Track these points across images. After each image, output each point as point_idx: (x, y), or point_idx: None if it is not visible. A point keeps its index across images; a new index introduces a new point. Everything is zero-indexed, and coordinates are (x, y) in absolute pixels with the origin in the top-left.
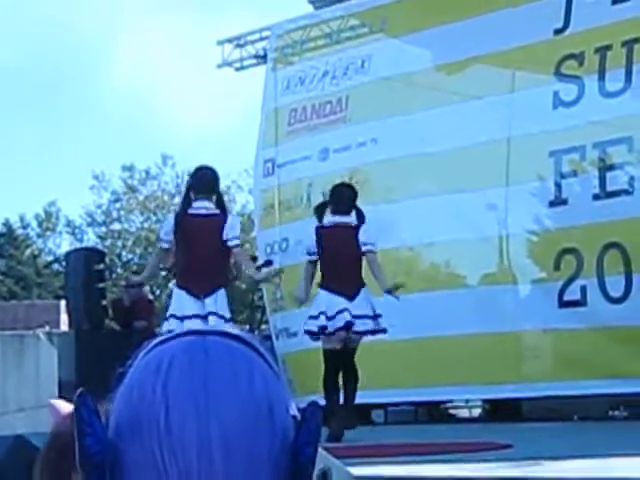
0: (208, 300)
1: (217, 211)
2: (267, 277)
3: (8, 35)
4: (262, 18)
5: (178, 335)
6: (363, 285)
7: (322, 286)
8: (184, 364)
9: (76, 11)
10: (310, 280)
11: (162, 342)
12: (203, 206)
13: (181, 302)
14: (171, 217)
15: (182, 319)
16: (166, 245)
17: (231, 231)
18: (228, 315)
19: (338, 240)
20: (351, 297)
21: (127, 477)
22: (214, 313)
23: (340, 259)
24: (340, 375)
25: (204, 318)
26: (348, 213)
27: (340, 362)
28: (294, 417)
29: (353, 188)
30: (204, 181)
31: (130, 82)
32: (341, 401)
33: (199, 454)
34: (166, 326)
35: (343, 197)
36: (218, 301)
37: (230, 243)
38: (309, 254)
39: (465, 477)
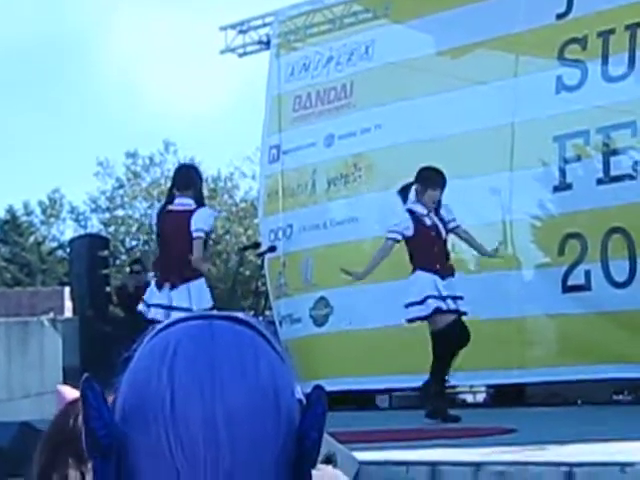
0: (174, 293)
1: (194, 207)
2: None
3: (9, 18)
4: (265, 4)
5: (184, 319)
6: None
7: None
8: (190, 349)
9: None
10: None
11: (168, 326)
12: (181, 202)
13: (151, 292)
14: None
15: (149, 307)
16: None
17: (195, 222)
18: (208, 304)
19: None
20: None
21: (134, 462)
22: (179, 308)
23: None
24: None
25: (167, 308)
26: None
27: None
28: (300, 401)
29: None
30: (184, 178)
31: (132, 68)
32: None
33: (205, 439)
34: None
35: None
36: (192, 293)
37: (193, 234)
38: (398, 234)
39: (470, 461)
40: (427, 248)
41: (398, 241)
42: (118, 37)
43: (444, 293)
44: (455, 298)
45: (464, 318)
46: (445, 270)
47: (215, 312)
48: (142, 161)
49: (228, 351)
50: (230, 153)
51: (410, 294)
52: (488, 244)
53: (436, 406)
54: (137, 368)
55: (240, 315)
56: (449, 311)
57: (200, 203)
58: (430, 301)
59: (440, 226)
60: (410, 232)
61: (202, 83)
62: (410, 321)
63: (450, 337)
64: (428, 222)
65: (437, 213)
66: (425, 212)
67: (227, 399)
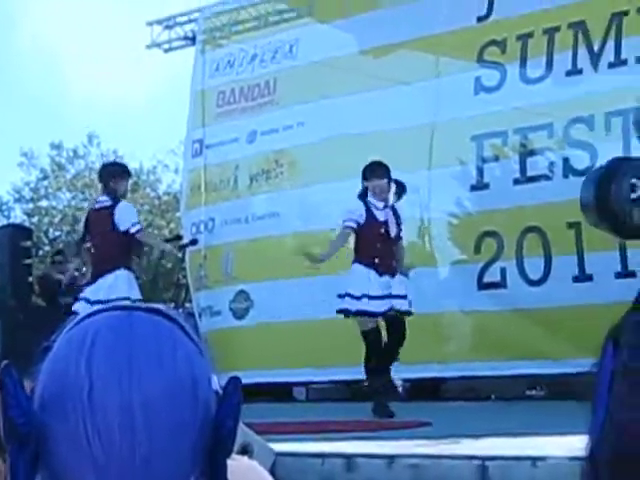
0: (101, 281)
1: (109, 203)
2: (172, 250)
3: None
4: (191, 0)
5: (104, 310)
6: None
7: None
8: (108, 339)
9: None
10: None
11: (87, 316)
12: (99, 200)
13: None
14: None
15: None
16: None
17: (123, 222)
18: (134, 295)
19: None
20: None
21: (53, 449)
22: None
23: None
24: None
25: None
26: None
27: None
28: (216, 392)
29: None
30: (101, 177)
31: (57, 57)
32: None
33: (121, 427)
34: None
35: None
36: (118, 283)
37: (131, 230)
38: (354, 222)
39: (384, 454)
40: (371, 242)
41: (354, 229)
42: (44, 21)
43: (378, 292)
44: (392, 297)
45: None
46: (384, 267)
47: (134, 304)
48: (66, 153)
49: (146, 342)
50: (154, 146)
51: (348, 285)
52: (407, 241)
53: (377, 402)
54: (56, 357)
55: (159, 307)
56: (374, 313)
57: (113, 198)
58: (364, 299)
59: (392, 225)
60: (362, 220)
61: (128, 77)
62: (340, 312)
63: (373, 335)
64: (380, 217)
65: (394, 212)
66: (380, 206)
67: (144, 388)
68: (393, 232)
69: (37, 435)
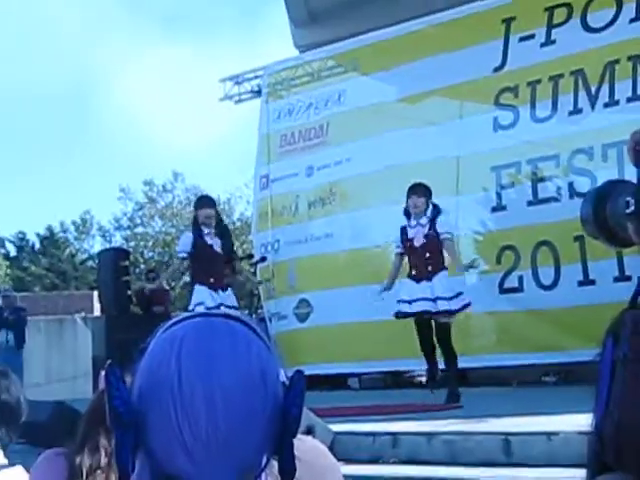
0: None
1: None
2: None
3: (39, 65)
4: (257, 60)
5: (189, 317)
6: None
7: None
8: (193, 340)
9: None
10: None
11: (176, 323)
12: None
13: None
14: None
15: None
16: None
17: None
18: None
19: None
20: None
21: (149, 434)
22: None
23: None
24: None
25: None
26: None
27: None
28: (283, 383)
29: None
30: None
31: (146, 113)
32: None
33: (205, 412)
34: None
35: None
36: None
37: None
38: (398, 247)
39: (424, 432)
40: (408, 257)
41: (402, 254)
42: (135, 85)
43: (415, 296)
44: (427, 300)
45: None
46: (419, 276)
47: (213, 311)
48: (156, 188)
49: (224, 342)
50: (228, 181)
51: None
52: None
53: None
54: (151, 357)
55: (234, 313)
56: (407, 314)
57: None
58: (401, 305)
59: (419, 236)
60: (400, 242)
61: (205, 125)
62: (399, 315)
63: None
64: (410, 234)
65: (432, 223)
66: (413, 224)
67: (223, 381)
68: (418, 242)
69: (136, 421)
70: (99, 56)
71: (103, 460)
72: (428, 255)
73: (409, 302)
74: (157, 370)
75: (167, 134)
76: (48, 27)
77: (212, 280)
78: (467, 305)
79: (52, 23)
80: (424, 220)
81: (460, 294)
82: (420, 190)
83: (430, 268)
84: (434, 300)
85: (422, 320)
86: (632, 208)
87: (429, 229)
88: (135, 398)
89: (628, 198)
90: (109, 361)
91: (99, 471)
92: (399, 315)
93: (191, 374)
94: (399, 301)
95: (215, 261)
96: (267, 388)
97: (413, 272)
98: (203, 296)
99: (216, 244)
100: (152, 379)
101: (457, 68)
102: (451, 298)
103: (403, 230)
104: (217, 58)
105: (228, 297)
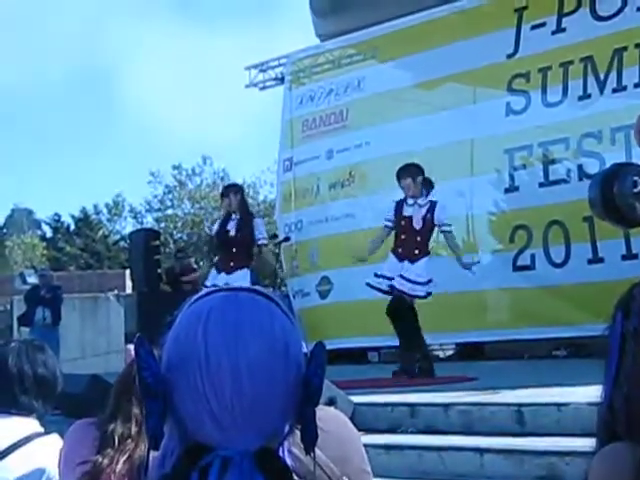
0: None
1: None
2: None
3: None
4: (280, 48)
5: (215, 291)
6: None
7: None
8: (219, 313)
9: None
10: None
11: (202, 296)
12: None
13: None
14: None
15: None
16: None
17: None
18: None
19: None
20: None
21: (177, 403)
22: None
23: None
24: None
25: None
26: None
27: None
28: (305, 354)
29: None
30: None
31: (177, 100)
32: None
33: (231, 381)
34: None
35: None
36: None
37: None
38: (387, 221)
39: (441, 402)
40: (397, 233)
41: (390, 227)
42: (159, 72)
43: (387, 273)
44: (401, 277)
45: (376, 294)
46: (405, 254)
47: (239, 286)
48: (185, 172)
49: (249, 315)
50: (253, 166)
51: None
52: (456, 234)
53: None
54: (179, 329)
55: (258, 288)
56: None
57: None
58: (380, 279)
59: (418, 218)
60: (391, 216)
61: (231, 111)
62: (369, 285)
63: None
64: (406, 212)
65: (432, 208)
66: (410, 202)
67: (248, 351)
68: (418, 225)
69: (164, 391)
70: (120, 40)
71: (134, 429)
72: (419, 239)
73: (388, 278)
74: (184, 342)
75: (195, 120)
76: (63, 9)
77: (231, 264)
78: (430, 293)
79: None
80: (422, 201)
81: (430, 281)
82: (404, 172)
83: (417, 252)
84: (411, 282)
85: (397, 300)
86: None
87: (427, 212)
88: (163, 369)
89: (635, 178)
90: (138, 334)
91: (129, 440)
92: (372, 286)
93: (217, 346)
94: (378, 275)
95: (230, 246)
96: (290, 358)
97: (399, 250)
98: (212, 279)
99: (233, 229)
100: (180, 350)
101: (471, 55)
102: (423, 284)
103: (398, 205)
104: (241, 46)
105: (241, 277)
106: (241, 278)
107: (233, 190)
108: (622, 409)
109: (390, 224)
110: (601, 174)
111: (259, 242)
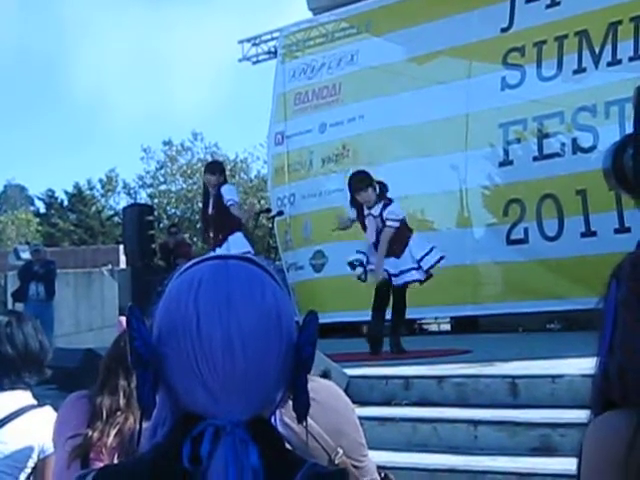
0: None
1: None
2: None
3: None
4: (273, 22)
5: (206, 259)
6: None
7: None
8: (210, 282)
9: None
10: None
11: (192, 265)
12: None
13: None
14: None
15: None
16: None
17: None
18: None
19: None
20: None
21: (169, 372)
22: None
23: None
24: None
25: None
26: None
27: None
28: (297, 322)
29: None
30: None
31: (166, 73)
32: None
33: (223, 351)
34: None
35: None
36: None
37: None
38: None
39: (435, 375)
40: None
41: (352, 220)
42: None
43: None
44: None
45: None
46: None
47: (229, 254)
48: (175, 147)
49: (240, 283)
50: (245, 141)
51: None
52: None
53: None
54: (169, 298)
55: (250, 256)
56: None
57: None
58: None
59: (371, 230)
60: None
61: (223, 85)
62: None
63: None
64: (366, 220)
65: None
66: (366, 212)
67: (240, 320)
68: (372, 238)
69: (156, 361)
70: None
71: (122, 401)
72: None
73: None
74: (176, 312)
75: (186, 94)
76: None
77: (219, 237)
78: (429, 273)
79: None
80: (375, 211)
81: (422, 260)
82: (361, 183)
83: (395, 248)
84: (406, 271)
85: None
86: None
87: (381, 221)
88: (155, 339)
89: None
90: (130, 303)
91: (119, 412)
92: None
93: (208, 316)
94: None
95: (211, 223)
96: (282, 327)
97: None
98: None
99: (211, 207)
100: (171, 321)
101: (466, 29)
102: (417, 269)
103: (359, 209)
104: (233, 21)
105: (238, 240)
106: (238, 241)
107: (211, 169)
108: (616, 378)
109: (353, 217)
110: (612, 145)
111: (227, 204)
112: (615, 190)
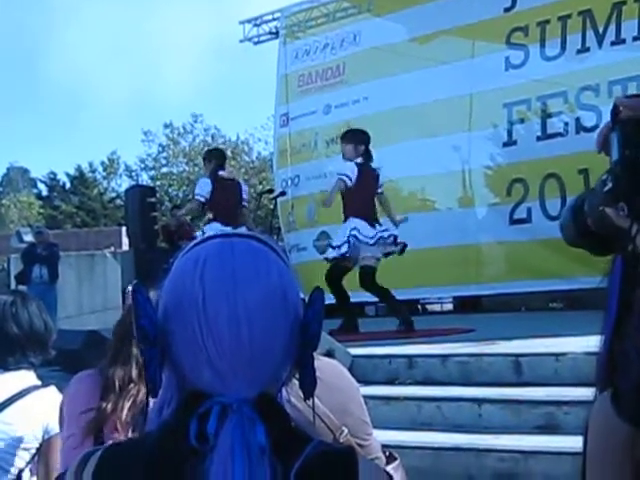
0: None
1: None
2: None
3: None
4: (275, 2)
5: (211, 237)
6: None
7: None
8: (216, 259)
9: None
10: None
11: (198, 244)
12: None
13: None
14: None
15: None
16: None
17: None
18: None
19: None
20: None
21: (175, 349)
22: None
23: None
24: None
25: None
26: None
27: None
28: (303, 300)
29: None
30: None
31: (167, 55)
32: None
33: (230, 327)
34: None
35: None
36: None
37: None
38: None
39: (438, 354)
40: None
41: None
42: (157, 35)
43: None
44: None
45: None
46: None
47: (234, 231)
48: (177, 130)
49: (245, 260)
50: (246, 122)
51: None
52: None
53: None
54: (175, 276)
55: (254, 234)
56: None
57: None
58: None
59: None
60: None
61: (224, 66)
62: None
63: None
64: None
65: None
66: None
67: (246, 297)
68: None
69: (162, 338)
70: None
71: (134, 371)
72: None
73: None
74: (182, 290)
75: (187, 76)
76: None
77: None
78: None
79: None
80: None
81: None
82: (345, 138)
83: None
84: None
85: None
86: (610, 185)
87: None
88: (161, 316)
89: (604, 177)
90: (135, 281)
91: (132, 384)
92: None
93: (214, 294)
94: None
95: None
96: (288, 305)
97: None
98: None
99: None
100: (177, 299)
101: (469, 9)
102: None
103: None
104: (233, 0)
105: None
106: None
107: (204, 157)
108: (622, 352)
109: (349, 183)
110: (572, 200)
111: (196, 197)
112: (575, 246)
